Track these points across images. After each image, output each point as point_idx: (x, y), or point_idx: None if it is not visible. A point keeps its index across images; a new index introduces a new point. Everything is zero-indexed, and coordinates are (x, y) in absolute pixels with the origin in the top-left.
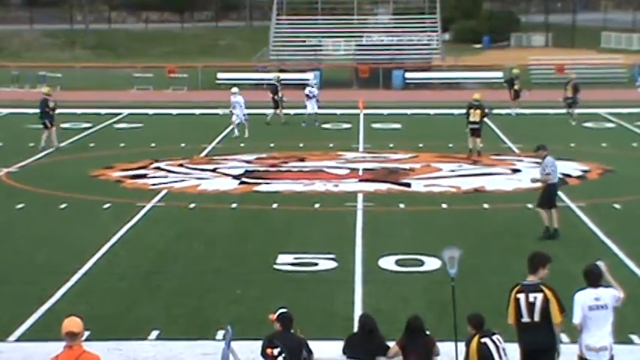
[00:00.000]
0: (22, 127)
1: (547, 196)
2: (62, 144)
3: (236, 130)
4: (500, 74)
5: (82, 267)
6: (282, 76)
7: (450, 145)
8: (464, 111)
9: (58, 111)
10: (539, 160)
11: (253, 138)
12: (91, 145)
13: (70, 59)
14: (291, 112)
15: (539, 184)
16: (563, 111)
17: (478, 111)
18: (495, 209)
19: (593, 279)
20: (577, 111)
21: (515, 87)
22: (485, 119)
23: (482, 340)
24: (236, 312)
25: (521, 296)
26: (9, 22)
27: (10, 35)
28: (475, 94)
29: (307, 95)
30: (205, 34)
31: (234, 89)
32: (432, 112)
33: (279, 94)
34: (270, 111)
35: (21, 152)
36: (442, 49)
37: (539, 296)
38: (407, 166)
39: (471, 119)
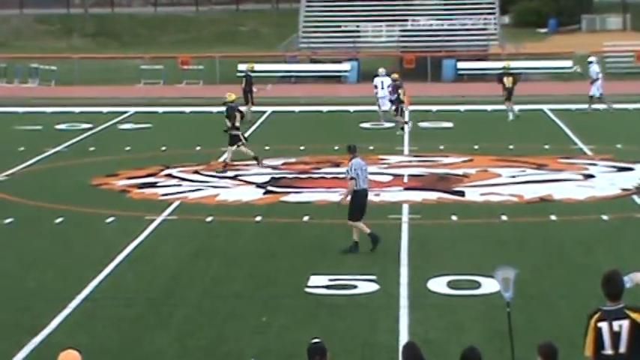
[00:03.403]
0: (10, 129)
1: (356, 205)
2: None
3: None
4: (569, 63)
5: (81, 292)
6: (314, 67)
7: (511, 147)
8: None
9: (51, 109)
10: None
11: (280, 140)
12: (92, 149)
13: (66, 49)
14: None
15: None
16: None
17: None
18: (564, 221)
19: None
20: None
21: (507, 84)
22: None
23: None
24: (262, 343)
25: (604, 325)
26: None
27: None
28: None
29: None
30: (224, 19)
31: None
32: (489, 108)
33: (253, 87)
34: (244, 108)
35: (9, 157)
36: (501, 35)
37: (625, 323)
38: (460, 171)
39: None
